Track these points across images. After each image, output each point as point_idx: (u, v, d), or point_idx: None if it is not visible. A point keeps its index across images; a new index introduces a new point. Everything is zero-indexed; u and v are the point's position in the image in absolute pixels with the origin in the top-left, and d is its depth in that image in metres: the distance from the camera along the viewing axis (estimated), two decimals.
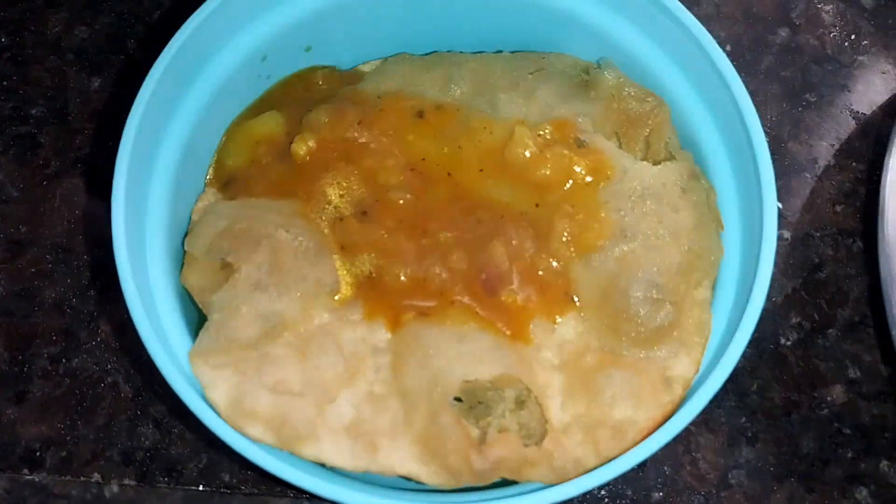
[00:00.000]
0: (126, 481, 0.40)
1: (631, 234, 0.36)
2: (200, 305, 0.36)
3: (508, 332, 0.36)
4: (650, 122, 0.40)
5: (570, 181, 0.37)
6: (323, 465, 0.33)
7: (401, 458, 0.33)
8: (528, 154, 0.37)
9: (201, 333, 0.35)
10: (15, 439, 0.41)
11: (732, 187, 0.38)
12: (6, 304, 0.43)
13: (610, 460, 0.32)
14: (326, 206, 0.38)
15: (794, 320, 0.44)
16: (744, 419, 0.42)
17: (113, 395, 0.42)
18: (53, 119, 0.47)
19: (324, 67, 0.43)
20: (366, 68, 0.44)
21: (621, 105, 0.40)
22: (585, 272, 0.36)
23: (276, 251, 0.36)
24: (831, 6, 0.51)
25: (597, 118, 0.39)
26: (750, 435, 0.42)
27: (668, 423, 0.32)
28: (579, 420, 0.34)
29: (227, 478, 0.40)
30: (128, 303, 0.33)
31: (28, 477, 0.40)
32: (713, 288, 0.37)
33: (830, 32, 0.51)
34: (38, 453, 0.41)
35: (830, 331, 0.44)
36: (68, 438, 0.41)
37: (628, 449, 0.32)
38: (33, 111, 0.47)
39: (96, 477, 0.40)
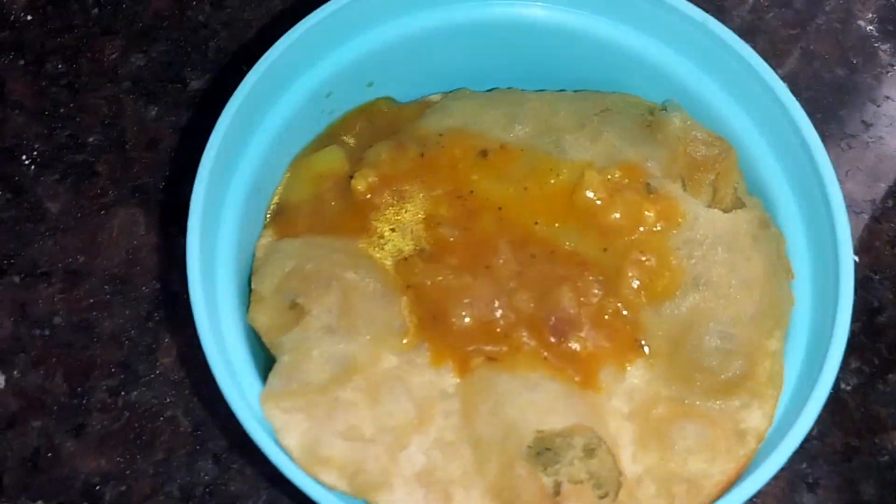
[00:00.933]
0: None
1: (703, 282, 0.36)
2: (268, 345, 0.36)
3: (577, 379, 0.35)
4: (717, 166, 0.39)
5: (641, 227, 0.37)
6: None
7: None
8: (598, 201, 0.37)
9: (271, 376, 0.35)
10: (74, 473, 0.41)
11: (802, 234, 0.38)
12: (64, 335, 0.43)
13: None
14: (388, 245, 0.38)
15: (854, 364, 0.44)
16: (804, 465, 0.42)
17: (172, 429, 0.42)
18: (110, 147, 0.47)
19: (385, 100, 0.43)
20: (427, 100, 0.43)
21: (688, 149, 0.39)
22: (656, 320, 0.36)
23: (346, 293, 0.36)
24: (888, 45, 0.51)
25: (664, 162, 0.39)
26: (811, 481, 0.42)
27: (747, 480, 0.32)
28: (652, 472, 0.34)
29: None
30: (203, 345, 0.33)
31: None
32: (784, 338, 0.36)
33: (888, 71, 0.50)
34: (97, 487, 0.40)
35: (890, 376, 0.44)
36: (127, 472, 0.41)
37: None
38: (90, 139, 0.47)
39: None
